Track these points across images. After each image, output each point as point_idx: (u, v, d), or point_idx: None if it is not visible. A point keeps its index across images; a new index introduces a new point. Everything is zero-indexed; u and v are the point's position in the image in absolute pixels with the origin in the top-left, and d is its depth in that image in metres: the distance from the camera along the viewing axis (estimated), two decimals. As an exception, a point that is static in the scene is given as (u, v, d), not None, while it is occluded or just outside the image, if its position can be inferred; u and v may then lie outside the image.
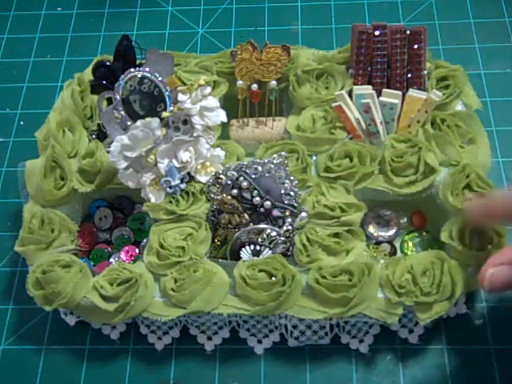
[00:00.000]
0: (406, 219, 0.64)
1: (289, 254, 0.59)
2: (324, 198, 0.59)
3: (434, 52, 0.74)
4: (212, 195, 0.61)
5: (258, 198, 0.60)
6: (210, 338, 0.60)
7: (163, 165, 0.59)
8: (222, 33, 0.85)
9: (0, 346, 0.64)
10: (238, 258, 0.59)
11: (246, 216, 0.60)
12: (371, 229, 0.63)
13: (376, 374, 0.59)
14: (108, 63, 0.67)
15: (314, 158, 0.63)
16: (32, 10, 0.90)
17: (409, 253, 0.62)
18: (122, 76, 0.59)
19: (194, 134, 0.60)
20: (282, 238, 0.59)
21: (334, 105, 0.63)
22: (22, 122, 0.80)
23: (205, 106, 0.60)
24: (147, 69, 0.60)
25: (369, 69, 0.65)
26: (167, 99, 0.61)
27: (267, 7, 0.87)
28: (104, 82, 0.67)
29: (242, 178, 0.60)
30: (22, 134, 0.78)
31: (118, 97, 0.58)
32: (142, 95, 0.60)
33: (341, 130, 0.63)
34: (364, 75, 0.65)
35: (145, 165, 0.59)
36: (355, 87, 0.64)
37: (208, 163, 0.62)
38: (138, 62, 0.68)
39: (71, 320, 0.61)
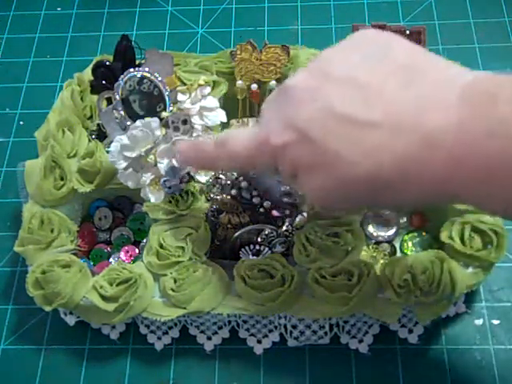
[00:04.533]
0: (405, 219, 0.64)
1: (288, 253, 0.59)
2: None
3: (434, 52, 0.74)
4: (212, 195, 0.61)
5: (257, 198, 0.60)
6: (209, 338, 0.60)
7: (163, 165, 0.59)
8: (221, 33, 0.85)
9: (0, 346, 0.64)
10: (237, 257, 0.59)
11: (246, 216, 0.60)
12: (371, 229, 0.63)
13: (376, 374, 0.59)
14: (108, 63, 0.67)
15: (314, 157, 0.63)
16: (32, 9, 0.90)
17: (409, 253, 0.62)
18: (122, 76, 0.59)
19: (194, 134, 0.60)
20: (282, 238, 0.59)
21: (333, 105, 0.63)
22: (21, 122, 0.80)
23: (204, 106, 0.60)
24: (147, 69, 0.60)
25: (368, 69, 0.65)
26: (167, 99, 0.60)
27: (267, 7, 0.87)
28: (104, 81, 0.66)
29: (241, 178, 0.60)
30: (22, 133, 0.78)
31: (117, 97, 0.58)
32: (141, 95, 0.60)
33: (340, 130, 0.63)
34: (364, 75, 0.65)
35: (144, 165, 0.59)
36: (355, 87, 0.64)
37: (208, 163, 0.62)
38: (137, 61, 0.67)
39: (71, 320, 0.61)
